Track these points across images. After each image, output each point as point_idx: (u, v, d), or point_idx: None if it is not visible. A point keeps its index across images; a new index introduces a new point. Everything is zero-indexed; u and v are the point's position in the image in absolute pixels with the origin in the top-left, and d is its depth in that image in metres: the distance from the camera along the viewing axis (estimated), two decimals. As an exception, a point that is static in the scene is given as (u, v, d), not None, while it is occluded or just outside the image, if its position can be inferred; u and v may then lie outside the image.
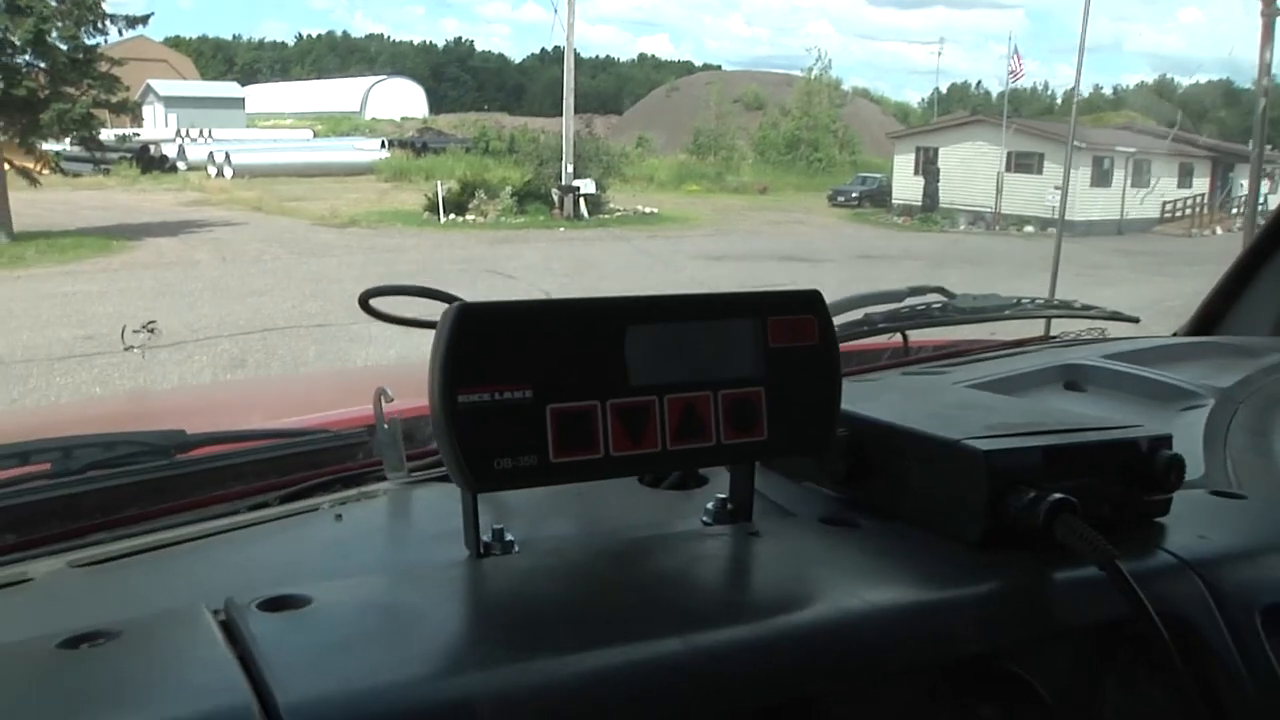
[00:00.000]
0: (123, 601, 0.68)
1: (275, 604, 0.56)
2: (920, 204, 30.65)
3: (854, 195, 33.55)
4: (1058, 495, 0.64)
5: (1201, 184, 31.40)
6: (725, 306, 0.66)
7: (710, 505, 0.74)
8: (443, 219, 23.87)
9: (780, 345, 0.66)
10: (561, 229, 23.56)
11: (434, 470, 0.89)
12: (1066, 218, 27.77)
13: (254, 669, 0.49)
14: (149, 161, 35.01)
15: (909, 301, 1.59)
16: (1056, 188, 28.09)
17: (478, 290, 14.35)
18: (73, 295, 13.21)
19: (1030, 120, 34.72)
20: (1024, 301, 1.78)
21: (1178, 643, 0.65)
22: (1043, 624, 0.63)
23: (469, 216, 24.29)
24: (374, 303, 0.84)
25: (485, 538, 0.67)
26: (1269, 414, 1.25)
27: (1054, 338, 1.86)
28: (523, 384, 0.59)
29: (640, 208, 27.85)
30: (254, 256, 17.30)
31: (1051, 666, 0.62)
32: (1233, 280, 2.03)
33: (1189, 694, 0.61)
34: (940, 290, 1.66)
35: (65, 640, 0.53)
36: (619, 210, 26.97)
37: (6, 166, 18.46)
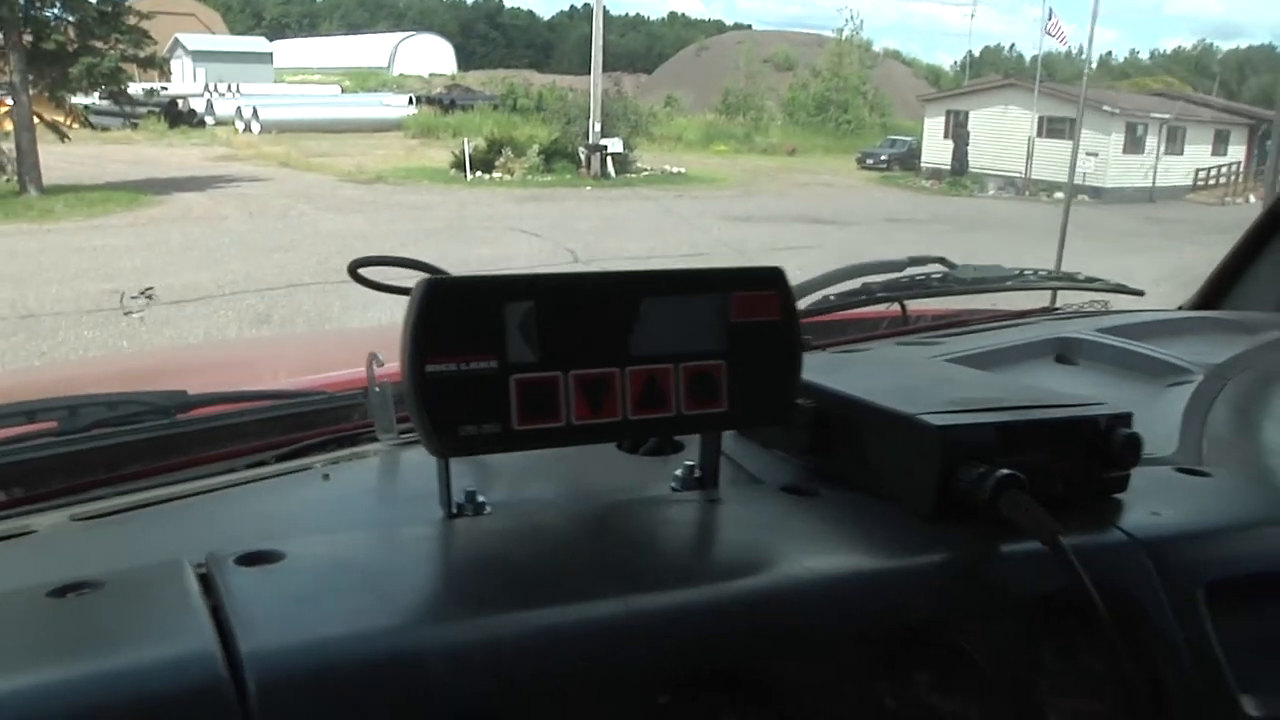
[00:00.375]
0: (117, 554, 0.71)
1: (251, 559, 0.59)
2: (950, 168, 30.33)
3: (883, 158, 33.25)
4: (1005, 471, 0.66)
5: (1238, 151, 30.89)
6: (689, 282, 0.68)
7: (679, 472, 0.77)
8: (469, 176, 23.88)
9: (742, 320, 0.68)
10: (588, 188, 23.51)
11: None
12: (1099, 185, 27.53)
13: (223, 619, 0.53)
14: (177, 116, 35.16)
15: (909, 271, 1.60)
16: (1089, 154, 27.76)
17: (503, 247, 14.44)
18: (101, 249, 13.34)
19: (1063, 85, 34.13)
20: (1026, 273, 1.78)
21: (1120, 617, 0.67)
22: (987, 596, 0.65)
23: (496, 174, 24.29)
24: (363, 271, 0.87)
25: (459, 500, 0.70)
26: (1256, 391, 1.25)
27: (1056, 310, 1.86)
28: (488, 355, 0.62)
29: (667, 167, 27.73)
30: (280, 212, 17.39)
31: (992, 636, 0.64)
32: (1240, 254, 2.02)
33: (1126, 667, 0.63)
34: (941, 260, 1.66)
35: (54, 590, 0.57)
36: (646, 170, 26.87)
37: (36, 120, 18.58)
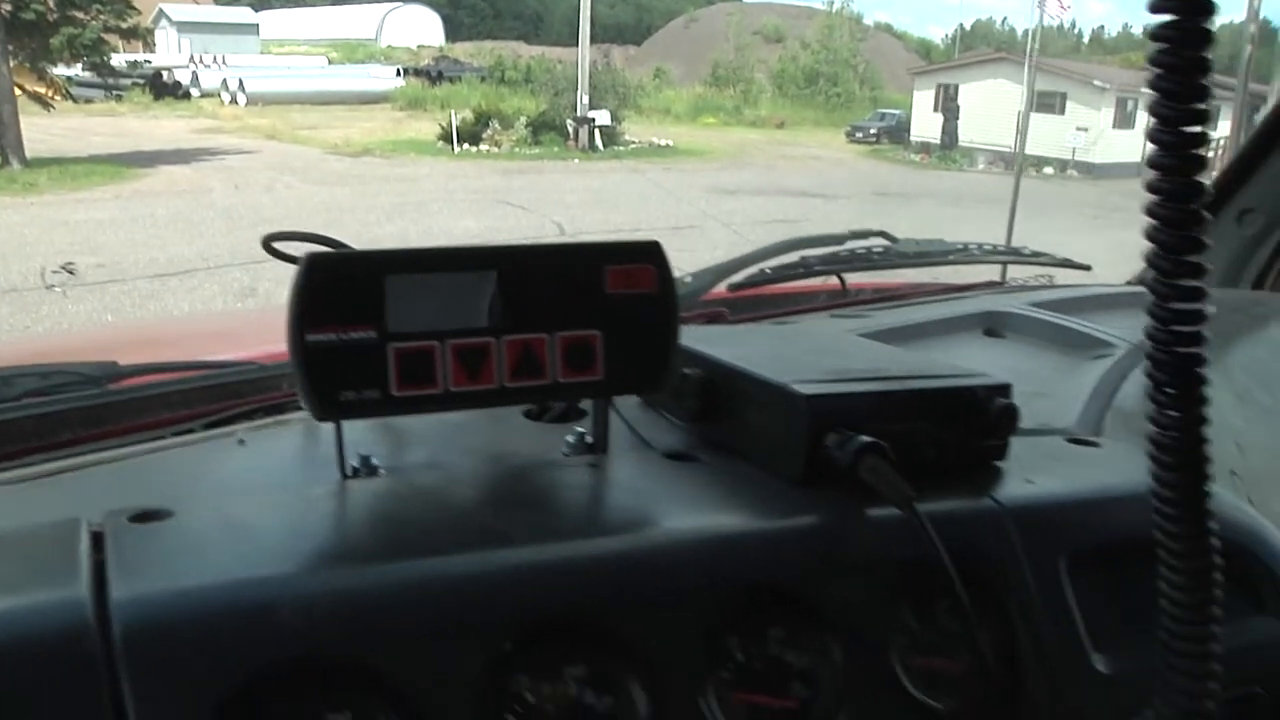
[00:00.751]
0: (28, 515, 0.74)
1: (143, 517, 0.63)
2: (939, 142, 30.30)
3: (872, 131, 33.20)
4: (865, 438, 0.68)
5: (1227, 125, 30.90)
6: (565, 256, 0.70)
7: (570, 438, 0.80)
8: (456, 149, 23.80)
9: (618, 292, 0.71)
10: (575, 160, 23.46)
11: None
12: (1088, 160, 27.53)
13: (104, 571, 0.56)
14: (162, 88, 34.90)
15: (849, 245, 1.62)
16: (1079, 129, 27.74)
17: (489, 220, 14.41)
18: (85, 223, 13.28)
19: (1054, 59, 34.02)
20: (971, 247, 1.80)
21: (978, 581, 0.70)
22: (847, 558, 0.68)
23: (483, 147, 24.22)
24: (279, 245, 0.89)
25: (354, 463, 0.73)
26: None
27: (1000, 284, 1.88)
28: (368, 325, 0.65)
29: (655, 140, 27.65)
30: (266, 185, 17.31)
31: (850, 596, 0.66)
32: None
33: (976, 630, 0.66)
34: (883, 234, 1.69)
35: None
36: (634, 142, 26.80)
37: (18, 92, 18.41)
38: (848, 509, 0.69)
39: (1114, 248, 2.14)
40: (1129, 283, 2.05)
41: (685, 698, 0.60)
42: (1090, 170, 27.55)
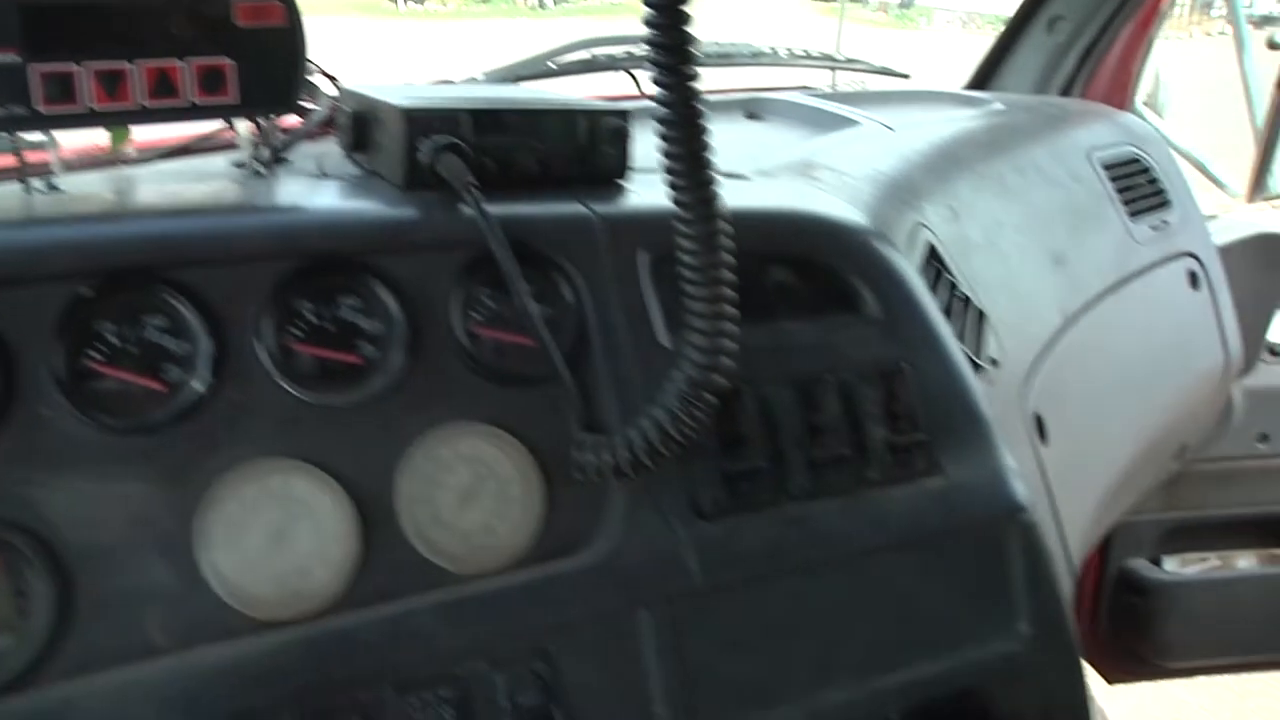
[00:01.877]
0: None
1: None
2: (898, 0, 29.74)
3: (830, -12, 32.50)
4: (442, 140, 0.78)
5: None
6: None
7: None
8: (402, 7, 23.07)
9: (248, 25, 0.78)
10: (524, 19, 22.83)
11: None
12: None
13: None
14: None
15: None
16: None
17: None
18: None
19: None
20: (779, 51, 1.86)
21: (557, 269, 0.80)
22: (420, 239, 0.77)
23: (429, 5, 23.48)
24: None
25: (39, 185, 0.82)
26: (900, 137, 1.37)
27: (813, 89, 1.95)
28: (10, 48, 0.72)
29: (609, -3, 26.94)
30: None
31: (422, 272, 0.76)
32: (1005, 38, 2.12)
33: (526, 307, 0.75)
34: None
35: None
36: (586, -1, 26.11)
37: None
38: (432, 201, 0.78)
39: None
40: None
41: (245, 346, 0.71)
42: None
